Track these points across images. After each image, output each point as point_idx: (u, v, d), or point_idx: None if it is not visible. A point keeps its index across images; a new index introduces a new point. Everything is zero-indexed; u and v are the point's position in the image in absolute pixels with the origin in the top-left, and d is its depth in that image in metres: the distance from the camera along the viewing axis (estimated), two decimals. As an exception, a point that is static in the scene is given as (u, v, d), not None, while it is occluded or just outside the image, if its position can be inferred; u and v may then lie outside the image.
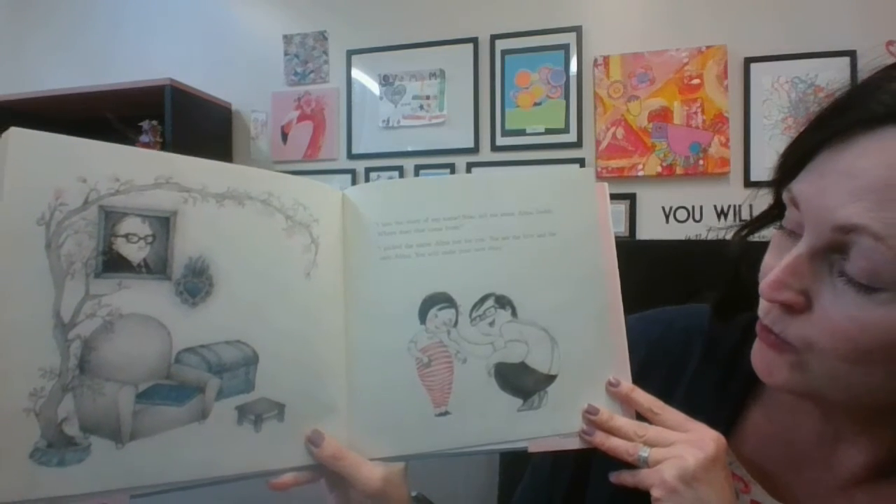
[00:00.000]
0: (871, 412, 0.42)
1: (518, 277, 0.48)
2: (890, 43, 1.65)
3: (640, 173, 1.90)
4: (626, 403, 0.46)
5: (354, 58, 2.18)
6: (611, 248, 0.49)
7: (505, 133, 2.04)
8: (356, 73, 2.19)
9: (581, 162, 1.96)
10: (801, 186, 0.38)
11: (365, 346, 0.48)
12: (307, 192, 0.48)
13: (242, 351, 0.43)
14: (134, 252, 0.40)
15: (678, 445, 0.41)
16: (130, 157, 0.40)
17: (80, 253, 0.38)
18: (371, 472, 0.44)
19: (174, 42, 2.37)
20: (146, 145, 2.08)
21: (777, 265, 0.38)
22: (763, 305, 0.41)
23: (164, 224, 0.41)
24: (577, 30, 1.97)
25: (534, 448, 0.48)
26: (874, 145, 0.33)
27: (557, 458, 0.54)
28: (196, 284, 0.42)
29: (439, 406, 0.47)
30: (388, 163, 2.14)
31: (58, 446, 0.36)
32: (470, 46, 2.06)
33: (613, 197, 1.93)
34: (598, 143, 1.95)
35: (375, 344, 0.48)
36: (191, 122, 2.06)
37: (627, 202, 1.92)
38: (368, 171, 2.16)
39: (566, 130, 1.98)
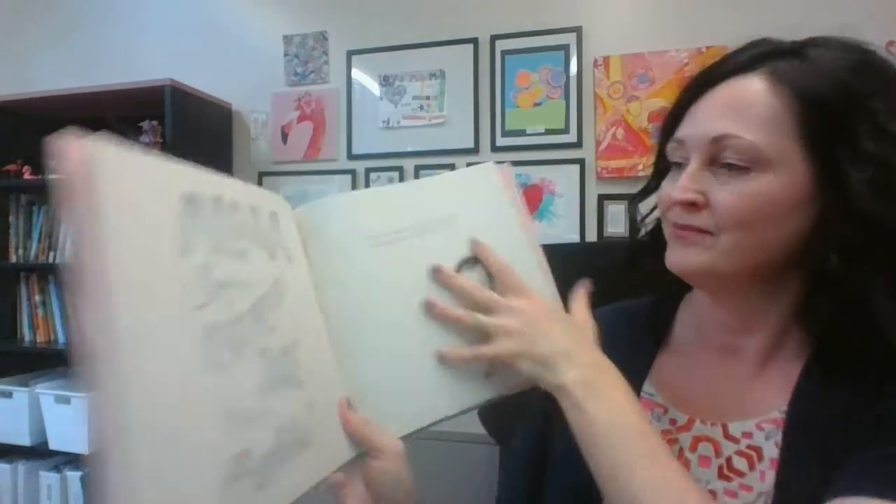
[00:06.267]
0: (757, 284, 0.52)
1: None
2: (890, 44, 1.65)
3: (641, 173, 1.90)
4: (483, 263, 0.54)
5: (354, 58, 2.18)
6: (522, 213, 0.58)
7: (505, 133, 2.04)
8: (356, 74, 2.19)
9: (581, 162, 1.96)
10: (684, 128, 0.53)
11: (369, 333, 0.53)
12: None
13: None
14: None
15: (507, 316, 0.50)
16: None
17: None
18: (392, 438, 0.51)
19: (174, 42, 2.37)
20: (146, 146, 2.08)
21: (677, 182, 0.51)
22: (674, 213, 0.53)
23: None
24: (577, 30, 1.97)
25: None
26: (726, 87, 0.51)
27: (522, 454, 0.64)
28: None
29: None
30: (388, 163, 2.14)
31: None
32: (470, 47, 2.06)
33: (613, 197, 1.93)
34: (598, 143, 1.95)
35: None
36: (191, 123, 2.06)
37: (627, 202, 1.91)
38: (368, 171, 2.16)
39: (566, 131, 1.98)
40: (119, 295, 0.31)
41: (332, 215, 0.54)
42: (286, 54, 2.26)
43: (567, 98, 1.98)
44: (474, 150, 2.06)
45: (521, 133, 2.03)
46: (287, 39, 2.26)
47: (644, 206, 0.65)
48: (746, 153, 0.48)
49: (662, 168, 0.58)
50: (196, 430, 0.33)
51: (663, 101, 1.89)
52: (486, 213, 0.56)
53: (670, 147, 0.55)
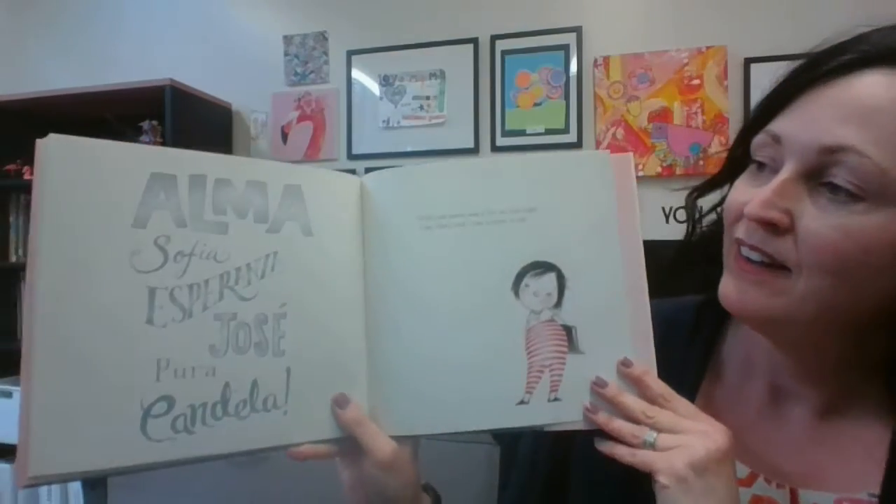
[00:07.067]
0: (823, 341, 0.44)
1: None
2: None
3: (640, 174, 1.90)
4: (637, 386, 0.43)
5: (354, 58, 2.18)
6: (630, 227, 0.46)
7: (505, 133, 2.04)
8: (356, 74, 2.19)
9: (581, 162, 1.96)
10: (783, 123, 0.42)
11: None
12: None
13: None
14: None
15: (689, 434, 0.40)
16: None
17: None
18: (386, 443, 0.45)
19: (174, 42, 2.37)
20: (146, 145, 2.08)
21: (758, 191, 0.41)
22: (743, 227, 0.42)
23: None
24: (577, 30, 1.97)
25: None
26: (854, 82, 0.39)
27: (536, 457, 0.57)
28: None
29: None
30: (388, 163, 2.14)
31: None
32: (470, 47, 2.06)
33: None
34: (598, 143, 1.95)
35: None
36: (191, 123, 2.06)
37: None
38: (368, 171, 2.14)
39: (566, 131, 1.98)
40: (50, 255, 0.38)
41: (387, 187, 0.49)
42: (286, 54, 2.26)
43: (567, 98, 1.98)
44: (474, 150, 2.06)
45: (521, 133, 2.03)
46: (287, 39, 2.26)
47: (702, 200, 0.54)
48: (867, 178, 0.36)
49: (737, 160, 0.47)
50: (125, 368, 0.40)
51: (663, 101, 1.89)
52: (576, 216, 0.46)
53: (759, 140, 0.43)
